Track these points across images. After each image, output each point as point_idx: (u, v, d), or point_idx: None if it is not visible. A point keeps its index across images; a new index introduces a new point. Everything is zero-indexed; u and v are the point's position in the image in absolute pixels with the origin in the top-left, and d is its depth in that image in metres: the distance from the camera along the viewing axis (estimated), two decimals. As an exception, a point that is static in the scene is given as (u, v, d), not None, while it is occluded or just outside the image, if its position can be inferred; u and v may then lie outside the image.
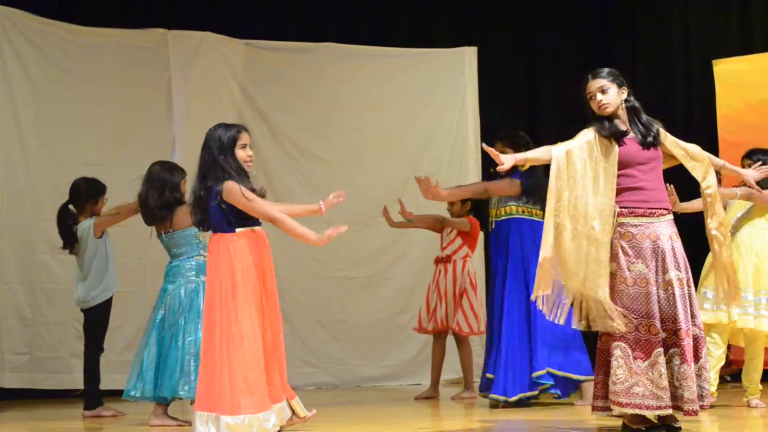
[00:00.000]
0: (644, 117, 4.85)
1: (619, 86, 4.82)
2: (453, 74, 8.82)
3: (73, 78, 7.76)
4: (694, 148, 4.90)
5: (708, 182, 4.85)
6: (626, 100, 4.83)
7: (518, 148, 5.71)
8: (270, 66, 8.49)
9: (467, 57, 8.81)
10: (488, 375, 6.21)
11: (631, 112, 4.83)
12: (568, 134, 6.23)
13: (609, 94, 4.80)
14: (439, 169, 8.53)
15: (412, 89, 8.81)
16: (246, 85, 8.40)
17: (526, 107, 9.32)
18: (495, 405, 6.14)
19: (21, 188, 7.50)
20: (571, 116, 8.68)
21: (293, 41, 8.58)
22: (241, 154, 4.84)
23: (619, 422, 4.76)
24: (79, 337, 7.20)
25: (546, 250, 4.65)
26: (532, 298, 4.75)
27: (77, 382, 7.22)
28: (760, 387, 6.04)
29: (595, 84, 4.82)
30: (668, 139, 4.86)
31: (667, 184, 5.29)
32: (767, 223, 6.07)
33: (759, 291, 5.98)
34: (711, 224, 4.86)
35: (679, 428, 4.65)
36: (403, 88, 8.79)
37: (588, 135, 4.79)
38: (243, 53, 8.39)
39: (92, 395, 6.33)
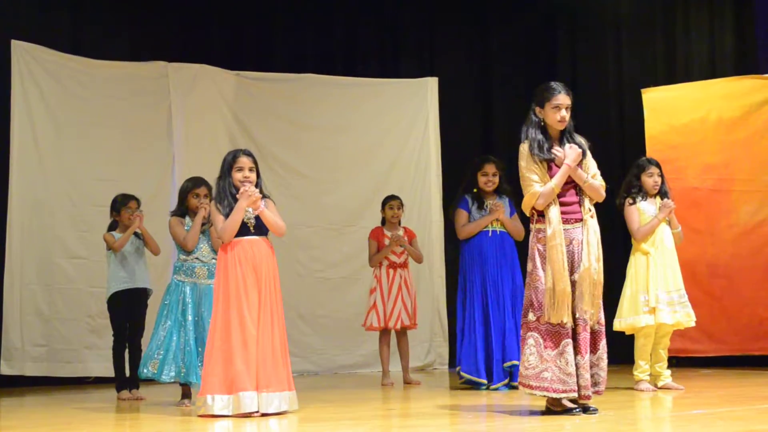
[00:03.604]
0: (577, 138, 4.87)
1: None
2: (416, 101, 9.15)
3: (85, 104, 8.03)
4: (597, 182, 4.88)
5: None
6: None
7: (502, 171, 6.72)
8: (257, 94, 8.78)
9: (429, 86, 9.18)
10: (513, 362, 6.48)
11: (567, 132, 4.87)
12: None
13: (569, 113, 4.81)
14: (404, 184, 8.86)
15: (381, 114, 9.11)
16: (236, 110, 8.69)
17: (480, 130, 9.60)
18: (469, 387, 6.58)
19: (40, 200, 7.78)
20: (519, 138, 9.42)
21: (277, 72, 8.90)
22: (236, 175, 5.12)
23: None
24: (90, 331, 7.69)
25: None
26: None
27: (89, 370, 7.71)
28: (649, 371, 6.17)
29: (566, 99, 4.80)
30: (587, 162, 4.89)
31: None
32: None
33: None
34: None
35: (596, 410, 4.73)
36: (373, 113, 9.09)
37: (528, 162, 4.80)
38: (234, 82, 8.68)
39: (117, 380, 6.57)
